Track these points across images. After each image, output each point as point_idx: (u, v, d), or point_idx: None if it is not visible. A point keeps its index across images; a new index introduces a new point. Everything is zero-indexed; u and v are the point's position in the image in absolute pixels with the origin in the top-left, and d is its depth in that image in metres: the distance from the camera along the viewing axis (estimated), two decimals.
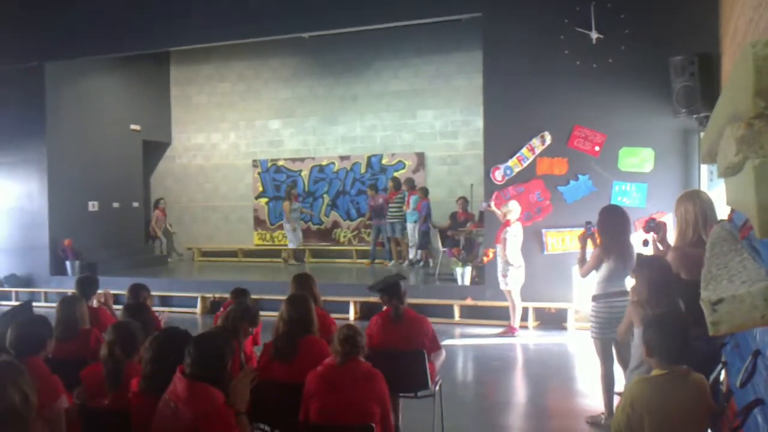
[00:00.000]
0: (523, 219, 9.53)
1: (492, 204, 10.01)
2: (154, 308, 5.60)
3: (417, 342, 5.13)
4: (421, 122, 15.14)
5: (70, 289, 11.67)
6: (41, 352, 3.94)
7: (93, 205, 14.61)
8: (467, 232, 12.20)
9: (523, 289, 9.36)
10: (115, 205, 15.21)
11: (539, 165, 9.95)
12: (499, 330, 9.60)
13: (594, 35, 9.44)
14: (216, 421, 3.05)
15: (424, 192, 13.79)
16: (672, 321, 3.22)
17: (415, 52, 14.97)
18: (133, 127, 15.84)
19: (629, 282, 5.33)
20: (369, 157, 15.55)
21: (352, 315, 10.81)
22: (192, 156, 17.27)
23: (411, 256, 14.05)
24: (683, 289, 3.94)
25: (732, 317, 1.78)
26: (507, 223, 9.23)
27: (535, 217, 9.93)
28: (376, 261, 14.54)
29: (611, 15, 9.35)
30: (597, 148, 9.66)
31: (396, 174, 14.97)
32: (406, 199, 13.89)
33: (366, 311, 10.55)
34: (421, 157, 15.10)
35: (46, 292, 13.23)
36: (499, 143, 10.16)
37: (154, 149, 17.09)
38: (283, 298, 4.84)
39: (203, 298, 11.94)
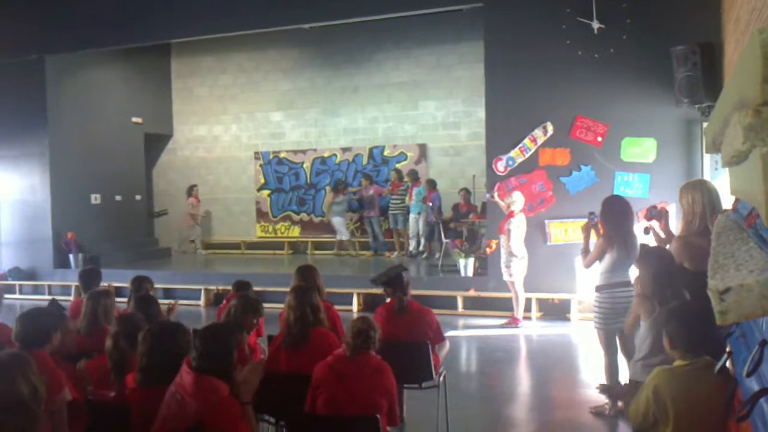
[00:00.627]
0: (525, 210, 9.51)
1: (495, 195, 10.00)
2: (160, 300, 5.60)
3: (421, 334, 5.15)
4: (423, 113, 15.10)
5: (73, 282, 11.82)
6: (46, 345, 3.94)
7: (95, 198, 14.62)
8: (470, 224, 12.20)
9: (526, 280, 9.36)
10: (118, 198, 15.24)
11: (541, 156, 9.93)
12: (503, 321, 9.60)
13: (596, 25, 9.39)
14: (221, 412, 3.06)
15: (432, 184, 13.75)
16: (693, 312, 3.21)
17: (416, 42, 14.90)
18: (134, 119, 15.83)
19: (633, 272, 5.32)
20: (371, 149, 15.52)
21: (355, 307, 10.82)
22: (194, 148, 17.26)
23: (411, 247, 14.06)
24: (688, 279, 3.93)
25: (740, 306, 1.77)
26: (511, 214, 9.22)
27: (537, 207, 9.92)
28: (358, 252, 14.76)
29: (613, 4, 9.30)
30: (599, 139, 9.63)
31: (398, 165, 14.95)
32: (409, 190, 13.89)
33: (369, 303, 10.56)
34: (423, 149, 15.07)
35: (49, 285, 13.25)
36: (501, 134, 10.14)
37: (156, 142, 17.07)
38: (287, 290, 4.85)
39: (207, 291, 11.97)
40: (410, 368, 4.94)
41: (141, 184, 16.23)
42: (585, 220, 5.96)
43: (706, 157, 8.76)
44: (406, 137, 15.28)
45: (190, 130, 17.25)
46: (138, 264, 13.95)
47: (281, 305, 4.85)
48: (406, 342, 5.05)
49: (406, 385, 5.10)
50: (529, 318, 9.72)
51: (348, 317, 4.39)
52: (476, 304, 10.42)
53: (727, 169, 2.84)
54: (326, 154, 15.96)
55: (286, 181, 16.27)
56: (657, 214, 5.14)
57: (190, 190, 16.27)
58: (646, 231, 5.27)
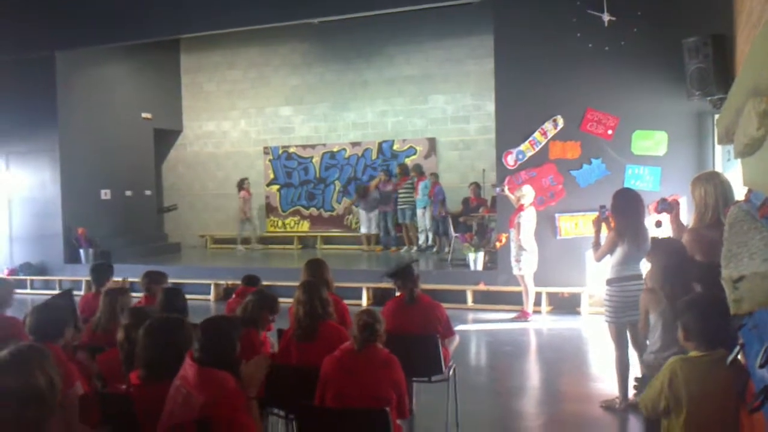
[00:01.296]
0: (536, 203, 9.48)
1: (506, 188, 9.97)
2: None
3: (430, 328, 5.15)
4: (433, 107, 15.07)
5: (84, 278, 11.87)
6: (59, 339, 3.96)
7: (105, 194, 14.68)
8: (479, 218, 12.18)
9: (536, 274, 9.34)
10: (128, 193, 15.29)
11: (552, 149, 9.89)
12: (513, 315, 9.59)
13: (606, 17, 9.34)
14: (226, 405, 3.05)
15: (435, 178, 13.76)
16: (709, 304, 3.18)
17: (426, 36, 14.85)
18: (144, 115, 15.87)
19: (644, 265, 5.30)
20: (380, 143, 15.50)
21: (364, 301, 10.82)
22: (203, 144, 17.29)
23: (420, 241, 14.05)
24: (700, 271, 3.90)
25: (754, 294, 1.76)
26: (521, 208, 9.20)
27: (548, 201, 9.89)
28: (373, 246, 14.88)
29: None
30: (610, 132, 9.58)
31: (407, 160, 14.94)
32: (415, 185, 13.88)
33: (379, 297, 10.56)
34: (432, 143, 15.04)
35: (60, 280, 13.32)
36: (511, 127, 10.11)
37: (166, 137, 17.12)
38: (296, 284, 4.85)
39: (216, 285, 12.02)
40: (420, 362, 4.94)
41: (151, 180, 16.29)
42: (596, 214, 5.92)
43: (718, 149, 8.69)
44: (416, 131, 15.24)
45: (200, 125, 17.28)
46: (148, 259, 13.98)
47: (290, 300, 4.86)
48: (415, 335, 5.05)
49: (415, 379, 5.10)
50: (539, 312, 9.70)
51: (357, 311, 4.38)
52: (486, 298, 10.41)
53: (739, 160, 2.82)
54: (335, 149, 15.95)
55: (295, 176, 16.27)
56: (667, 206, 5.09)
57: (241, 184, 15.58)
58: (658, 224, 5.23)
